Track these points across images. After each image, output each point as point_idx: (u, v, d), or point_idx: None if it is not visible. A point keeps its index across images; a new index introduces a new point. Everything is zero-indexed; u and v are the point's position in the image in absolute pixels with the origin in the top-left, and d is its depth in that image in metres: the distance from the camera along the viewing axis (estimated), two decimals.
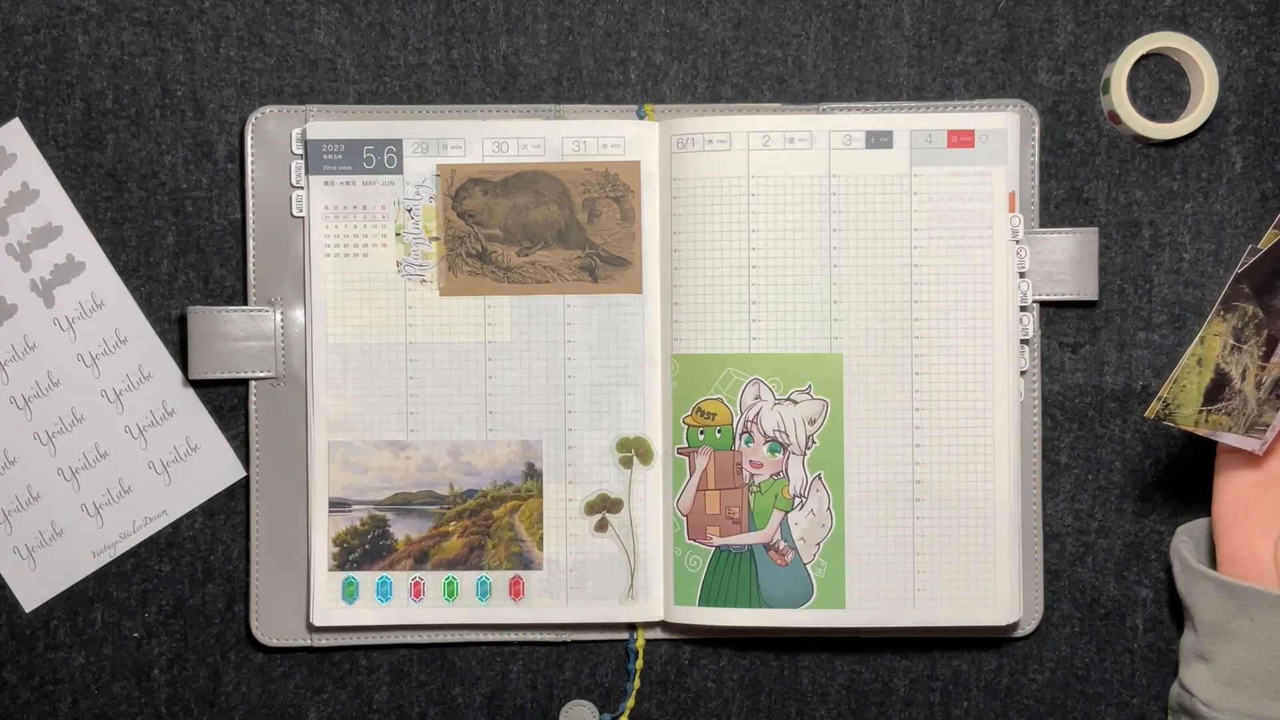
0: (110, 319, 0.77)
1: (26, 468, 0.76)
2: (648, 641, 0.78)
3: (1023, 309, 0.75)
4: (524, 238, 0.75)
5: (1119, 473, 0.78)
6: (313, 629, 0.76)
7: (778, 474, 0.74)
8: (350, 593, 0.75)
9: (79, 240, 0.76)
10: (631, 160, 0.75)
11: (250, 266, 0.75)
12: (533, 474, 0.75)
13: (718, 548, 0.74)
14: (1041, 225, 0.76)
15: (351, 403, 0.75)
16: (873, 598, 0.74)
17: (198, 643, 0.77)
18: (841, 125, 0.74)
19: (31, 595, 0.77)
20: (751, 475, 0.74)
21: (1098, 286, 0.76)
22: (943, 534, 0.74)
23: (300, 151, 0.75)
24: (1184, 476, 0.77)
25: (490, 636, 0.77)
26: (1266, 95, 0.77)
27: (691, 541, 0.74)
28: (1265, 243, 0.63)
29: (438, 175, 0.75)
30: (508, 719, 0.78)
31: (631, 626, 0.76)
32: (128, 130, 0.76)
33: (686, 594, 0.74)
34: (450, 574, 0.75)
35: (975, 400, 0.74)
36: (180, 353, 0.77)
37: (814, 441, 0.74)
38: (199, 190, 0.77)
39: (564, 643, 0.78)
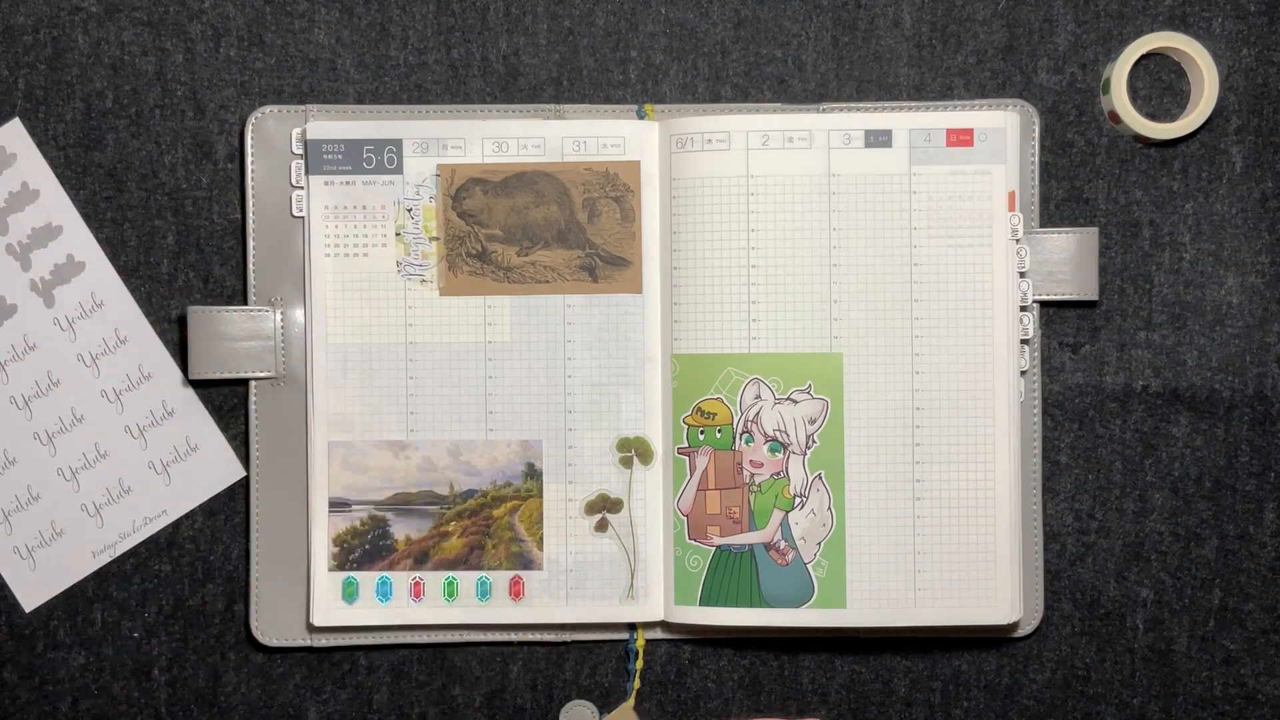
0: (110, 319, 0.77)
1: (26, 468, 0.76)
2: (648, 641, 0.77)
3: (1023, 309, 0.75)
4: (524, 238, 0.75)
5: (1119, 473, 0.78)
6: (313, 629, 0.76)
7: (778, 473, 0.74)
8: (350, 593, 0.75)
9: (79, 240, 0.76)
10: (631, 160, 0.75)
11: (250, 266, 0.75)
12: (533, 474, 0.75)
13: (718, 547, 0.74)
14: (1041, 225, 0.77)
15: (351, 403, 0.75)
16: (873, 597, 0.74)
17: (198, 643, 0.77)
18: (840, 124, 0.74)
19: (31, 595, 0.77)
20: (752, 475, 0.74)
21: (1098, 286, 0.76)
22: (943, 534, 0.74)
23: (300, 151, 0.75)
24: (1184, 476, 0.77)
25: (490, 636, 0.77)
26: (1266, 95, 0.77)
27: (692, 541, 0.74)
28: None
29: (438, 175, 0.75)
30: (508, 719, 0.78)
31: (631, 626, 0.76)
32: (128, 130, 0.77)
33: (687, 594, 0.74)
34: (450, 574, 0.75)
35: (975, 400, 0.74)
36: (180, 353, 0.77)
37: (814, 441, 0.74)
38: (199, 190, 0.77)
39: (564, 643, 0.78)
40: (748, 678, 0.78)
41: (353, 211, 0.75)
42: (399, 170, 0.75)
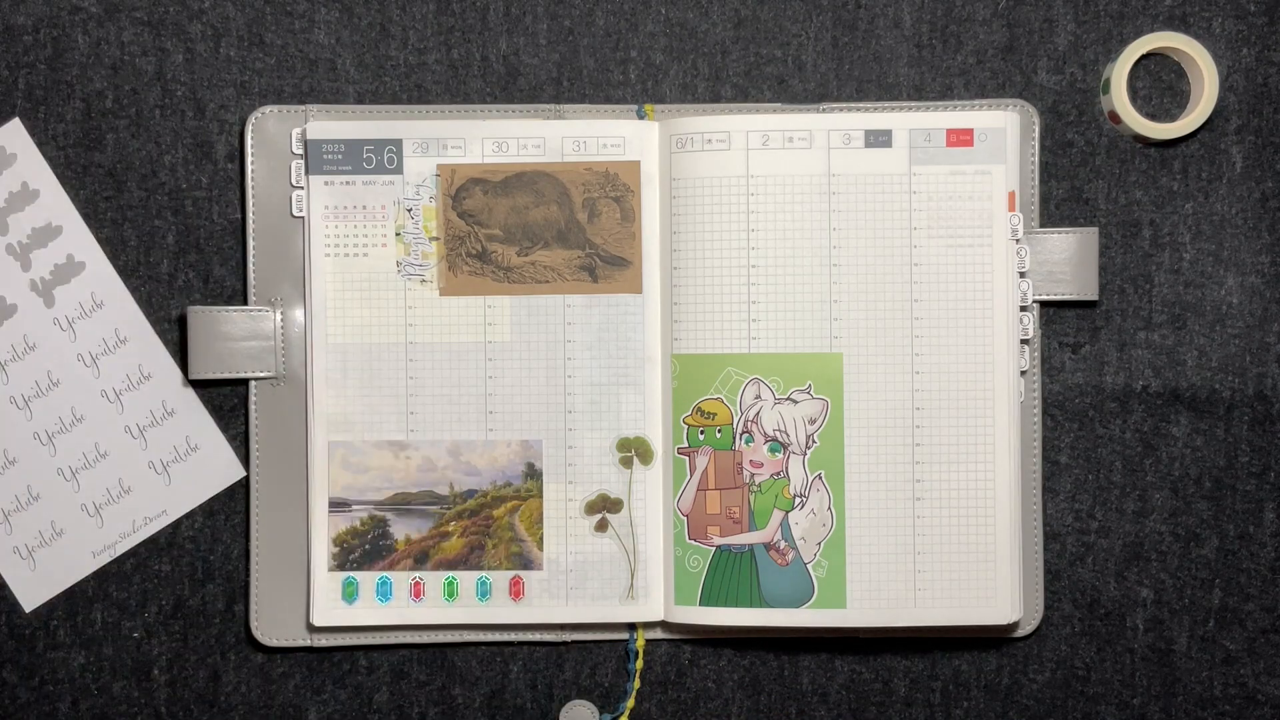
0: (110, 319, 0.77)
1: (26, 468, 0.76)
2: (648, 641, 0.77)
3: (1023, 309, 0.75)
4: (524, 238, 0.75)
5: (1119, 473, 0.78)
6: (313, 629, 0.76)
7: (778, 473, 0.74)
8: (350, 593, 0.75)
9: (79, 240, 0.76)
10: (631, 160, 0.75)
11: (250, 266, 0.75)
12: (533, 474, 0.75)
13: (718, 547, 0.74)
14: (1041, 225, 0.77)
15: (351, 403, 0.75)
16: (873, 597, 0.74)
17: (198, 643, 0.77)
18: (840, 124, 0.74)
19: (31, 595, 0.77)
20: (752, 475, 0.74)
21: (1098, 286, 0.76)
22: (943, 534, 0.74)
23: (300, 151, 0.75)
24: (1184, 476, 0.77)
25: (490, 636, 0.77)
26: (1266, 95, 0.77)
27: (692, 541, 0.74)
28: None
29: (438, 175, 0.75)
30: (508, 719, 0.78)
31: (631, 626, 0.76)
32: (128, 130, 0.77)
33: (687, 594, 0.74)
34: (450, 574, 0.75)
35: (975, 400, 0.74)
36: (180, 353, 0.77)
37: (814, 441, 0.74)
38: (199, 190, 0.77)
39: (564, 643, 0.78)
40: (748, 678, 0.78)
41: (353, 211, 0.75)
42: (399, 170, 0.75)
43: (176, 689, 0.77)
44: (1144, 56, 0.77)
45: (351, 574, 0.75)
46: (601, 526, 0.75)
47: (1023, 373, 0.75)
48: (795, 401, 0.74)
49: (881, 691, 0.78)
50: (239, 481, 0.77)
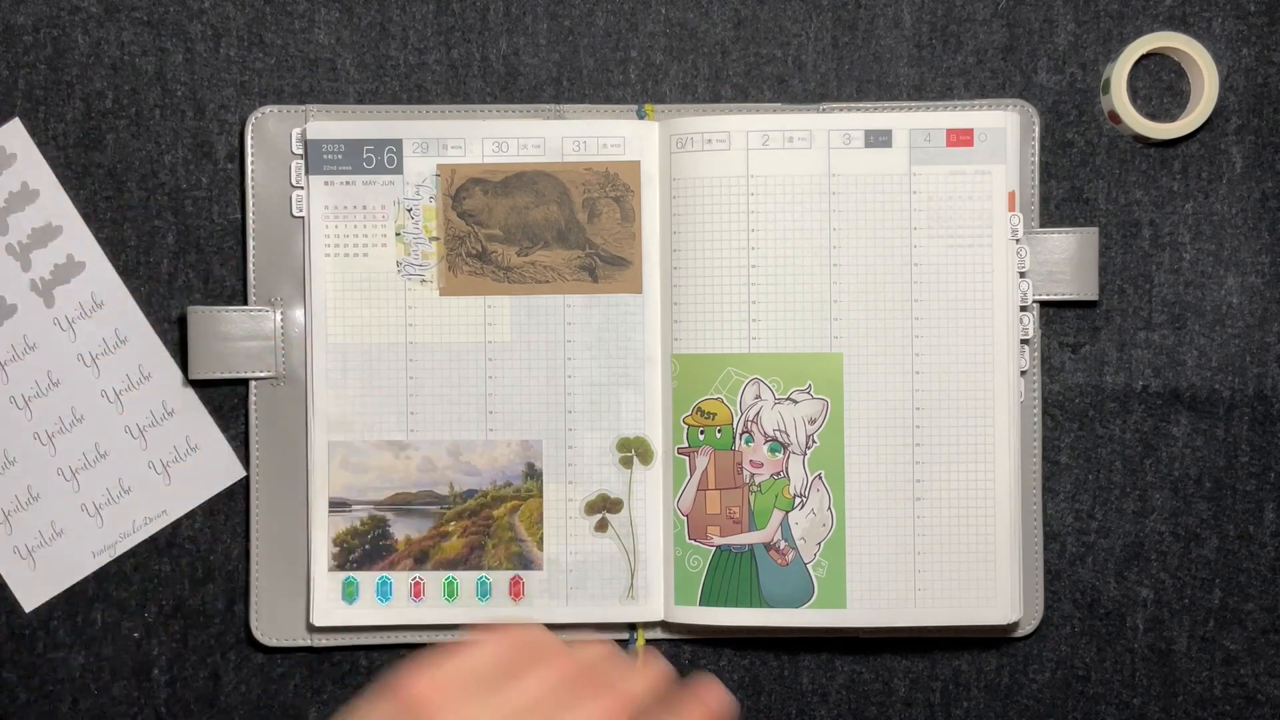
0: (110, 319, 0.77)
1: (26, 468, 0.76)
2: (648, 641, 0.77)
3: (1023, 309, 0.75)
4: (524, 238, 0.75)
5: (1119, 473, 0.77)
6: (313, 629, 0.76)
7: (778, 474, 0.74)
8: (350, 593, 0.75)
9: (79, 240, 0.76)
10: (631, 160, 0.75)
11: (250, 266, 0.75)
12: (533, 474, 0.75)
13: (718, 547, 0.74)
14: (1041, 225, 0.77)
15: (351, 403, 0.75)
16: (873, 597, 0.74)
17: (198, 643, 0.77)
18: (840, 124, 0.74)
19: (31, 595, 0.77)
20: (752, 475, 0.74)
21: (1098, 286, 0.76)
22: (943, 534, 0.74)
23: (300, 151, 0.75)
24: (1184, 476, 0.77)
25: None
26: (1266, 95, 0.77)
27: (692, 541, 0.74)
28: None
29: (438, 175, 0.75)
30: None
31: (632, 626, 0.76)
32: (128, 130, 0.76)
33: (687, 594, 0.74)
34: (450, 574, 0.75)
35: (975, 400, 0.74)
36: (180, 353, 0.77)
37: (814, 441, 0.74)
38: (199, 190, 0.77)
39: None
40: (748, 678, 0.78)
41: (353, 211, 0.75)
42: (399, 170, 0.75)
43: (176, 689, 0.77)
44: (1144, 56, 0.77)
45: (351, 574, 0.75)
46: (601, 526, 0.75)
47: (1023, 373, 0.75)
48: (795, 401, 0.74)
49: (881, 691, 0.78)
50: (239, 481, 0.77)
